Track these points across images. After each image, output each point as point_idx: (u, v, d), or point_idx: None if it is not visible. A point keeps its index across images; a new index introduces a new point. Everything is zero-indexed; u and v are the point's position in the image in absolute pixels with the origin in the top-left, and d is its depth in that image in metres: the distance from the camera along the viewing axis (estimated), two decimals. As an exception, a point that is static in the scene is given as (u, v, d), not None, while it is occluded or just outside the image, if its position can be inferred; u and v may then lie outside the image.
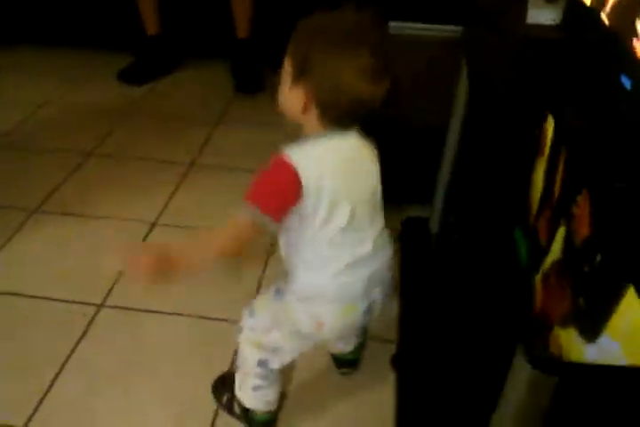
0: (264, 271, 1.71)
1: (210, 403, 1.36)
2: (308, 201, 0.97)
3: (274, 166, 0.97)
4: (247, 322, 1.20)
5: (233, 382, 1.30)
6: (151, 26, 2.71)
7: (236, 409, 1.31)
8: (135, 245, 1.02)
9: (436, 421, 1.28)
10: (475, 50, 1.45)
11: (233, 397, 1.30)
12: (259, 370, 1.21)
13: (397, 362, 1.43)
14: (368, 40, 0.93)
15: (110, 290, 1.64)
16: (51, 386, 1.39)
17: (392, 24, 1.58)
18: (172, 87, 2.74)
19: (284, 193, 0.97)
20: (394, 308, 1.56)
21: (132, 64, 2.76)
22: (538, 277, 1.16)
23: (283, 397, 1.34)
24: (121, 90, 2.67)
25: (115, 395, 1.38)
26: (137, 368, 1.44)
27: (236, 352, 1.43)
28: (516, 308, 1.20)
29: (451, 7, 1.62)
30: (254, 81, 2.66)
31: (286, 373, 1.33)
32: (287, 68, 0.97)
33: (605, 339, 0.80)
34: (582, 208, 1.00)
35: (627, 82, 1.10)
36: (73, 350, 1.47)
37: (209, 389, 1.38)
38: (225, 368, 1.43)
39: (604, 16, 1.24)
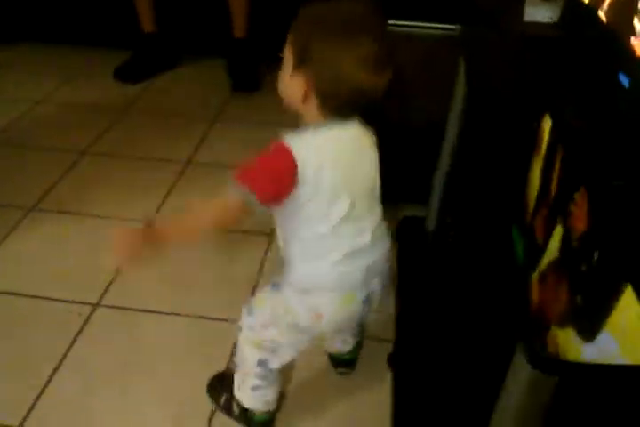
0: (261, 270, 1.70)
1: (207, 403, 1.35)
2: (304, 190, 0.96)
3: (272, 151, 0.96)
4: (246, 321, 1.19)
5: (231, 382, 1.29)
6: (147, 23, 2.70)
7: (235, 410, 1.30)
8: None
9: (433, 420, 1.28)
10: (472, 48, 1.44)
11: (232, 397, 1.30)
12: (258, 370, 1.20)
13: (394, 361, 1.43)
14: (369, 29, 0.92)
15: (106, 289, 1.64)
16: (46, 386, 1.38)
17: (390, 22, 1.58)
18: (168, 85, 2.73)
19: (278, 178, 0.95)
20: (391, 306, 1.55)
21: (127, 62, 2.75)
22: (535, 276, 1.16)
23: (282, 397, 1.33)
24: (118, 88, 2.66)
25: (111, 395, 1.38)
26: (134, 368, 1.44)
27: (233, 352, 1.44)
28: (514, 307, 1.20)
29: (448, 5, 1.62)
30: (251, 80, 2.66)
31: (285, 373, 1.32)
32: (287, 55, 0.96)
33: (604, 337, 0.80)
34: (580, 206, 1.00)
35: (625, 80, 1.09)
36: (69, 350, 1.47)
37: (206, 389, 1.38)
38: (223, 368, 1.42)
39: (601, 14, 1.24)
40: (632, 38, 1.08)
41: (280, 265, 1.13)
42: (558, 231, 1.10)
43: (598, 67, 1.19)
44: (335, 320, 1.10)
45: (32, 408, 1.33)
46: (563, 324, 0.96)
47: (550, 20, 1.52)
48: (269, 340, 1.16)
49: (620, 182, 0.91)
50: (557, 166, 1.17)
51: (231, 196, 0.95)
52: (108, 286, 1.65)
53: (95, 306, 1.59)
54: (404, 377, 1.38)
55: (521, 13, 1.51)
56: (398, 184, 1.67)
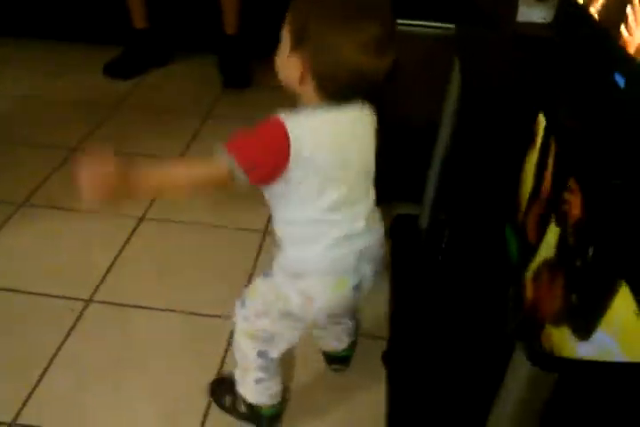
0: (255, 267, 1.70)
1: (201, 399, 1.35)
2: (296, 171, 0.93)
3: (265, 124, 0.93)
4: (240, 312, 1.18)
5: (231, 383, 1.29)
6: (139, 20, 2.69)
7: (241, 409, 1.29)
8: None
9: (428, 418, 1.29)
10: (467, 47, 1.45)
11: (235, 396, 1.29)
12: (260, 362, 1.19)
13: (388, 358, 1.43)
14: (371, 9, 0.89)
15: (99, 285, 1.63)
16: (39, 382, 1.38)
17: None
18: (159, 82, 2.71)
19: (266, 150, 0.93)
20: (385, 305, 1.56)
21: (117, 58, 2.73)
22: (529, 275, 1.17)
23: (286, 390, 1.32)
24: (109, 84, 2.64)
25: (104, 391, 1.37)
26: (127, 364, 1.43)
27: (227, 350, 1.44)
28: (510, 305, 1.21)
29: (444, 4, 1.62)
30: (242, 77, 2.65)
31: (285, 371, 1.31)
32: (285, 35, 0.93)
33: (600, 335, 0.81)
34: (574, 204, 1.01)
35: (620, 80, 1.10)
36: (61, 346, 1.46)
37: (200, 385, 1.37)
38: (216, 364, 1.42)
39: (595, 14, 1.25)
40: (626, 37, 1.09)
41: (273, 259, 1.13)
42: (552, 229, 1.11)
43: (593, 67, 1.20)
44: (326, 306, 1.08)
45: (24, 405, 1.33)
46: (558, 322, 0.97)
47: (544, 21, 1.53)
48: (262, 329, 1.15)
49: (618, 181, 0.92)
50: (551, 165, 1.18)
51: (217, 162, 0.93)
52: (100, 282, 1.64)
53: (88, 302, 1.58)
54: (399, 375, 1.38)
55: (514, 13, 1.53)
56: (393, 182, 1.68)
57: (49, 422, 1.30)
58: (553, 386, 0.73)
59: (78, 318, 1.53)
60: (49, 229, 1.82)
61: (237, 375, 1.27)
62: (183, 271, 1.70)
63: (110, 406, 1.34)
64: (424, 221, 1.76)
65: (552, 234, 1.11)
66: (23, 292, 1.60)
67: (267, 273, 1.13)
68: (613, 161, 0.97)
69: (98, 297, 1.60)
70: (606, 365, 0.69)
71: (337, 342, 1.38)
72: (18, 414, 1.31)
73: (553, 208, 1.13)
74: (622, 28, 1.11)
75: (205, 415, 1.33)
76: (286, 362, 1.28)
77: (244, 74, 2.66)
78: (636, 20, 1.07)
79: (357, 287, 1.07)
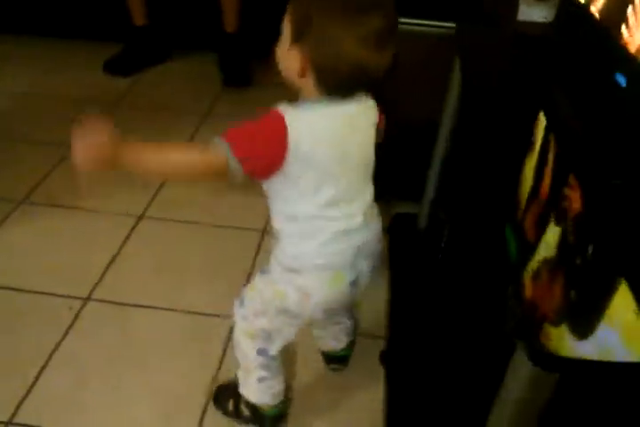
0: (254, 267, 1.70)
1: (199, 397, 1.35)
2: (295, 165, 0.93)
3: (264, 116, 0.92)
4: (238, 312, 1.18)
5: (233, 388, 1.28)
6: (138, 16, 2.68)
7: (245, 411, 1.28)
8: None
9: (426, 416, 1.29)
10: (468, 46, 1.45)
11: (238, 399, 1.28)
12: (260, 359, 1.19)
13: (386, 358, 1.43)
14: (373, 3, 0.88)
15: (97, 283, 1.63)
16: (36, 380, 1.37)
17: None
18: (159, 79, 2.70)
19: (263, 141, 0.92)
20: (384, 304, 1.56)
21: (117, 55, 2.73)
22: (528, 274, 1.17)
23: (288, 389, 1.31)
24: (108, 81, 2.63)
25: (102, 389, 1.37)
26: (125, 363, 1.43)
27: (224, 352, 1.43)
28: (509, 304, 1.20)
29: (445, 3, 1.62)
30: (242, 75, 2.65)
31: (285, 371, 1.30)
32: (286, 26, 0.92)
33: (603, 329, 0.80)
34: (574, 202, 1.01)
35: (621, 79, 1.10)
36: (59, 344, 1.46)
37: (199, 384, 1.37)
38: (215, 363, 1.42)
39: (596, 13, 1.24)
40: (627, 37, 1.09)
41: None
42: (551, 228, 1.11)
43: (594, 66, 1.20)
44: (323, 301, 1.08)
45: (22, 403, 1.32)
46: (556, 322, 0.97)
47: (545, 20, 1.53)
48: (261, 329, 1.15)
49: (618, 181, 0.91)
50: (551, 164, 1.18)
51: (213, 150, 0.92)
52: (99, 280, 1.64)
53: (86, 300, 1.58)
54: (397, 374, 1.38)
55: (514, 12, 1.52)
56: (392, 181, 1.68)
57: (47, 420, 1.30)
58: (554, 386, 0.73)
59: (77, 317, 1.53)
60: (48, 226, 1.82)
61: (240, 376, 1.26)
62: (182, 270, 1.69)
63: (108, 405, 1.34)
64: (423, 220, 1.75)
65: (551, 233, 1.10)
66: (21, 290, 1.60)
67: (264, 270, 1.13)
68: (614, 161, 0.97)
69: (96, 295, 1.59)
70: (608, 365, 0.69)
71: (335, 341, 1.38)
72: (15, 413, 1.30)
73: (552, 207, 1.13)
74: (623, 27, 1.11)
75: (203, 413, 1.33)
76: (286, 362, 1.27)
77: (244, 72, 2.65)
78: (637, 19, 1.07)
79: (354, 283, 1.07)
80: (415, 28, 1.63)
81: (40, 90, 2.56)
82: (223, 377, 1.39)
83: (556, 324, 0.96)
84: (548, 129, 1.20)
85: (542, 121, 1.24)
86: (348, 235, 1.02)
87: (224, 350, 1.45)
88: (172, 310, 1.56)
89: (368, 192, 1.06)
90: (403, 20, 1.59)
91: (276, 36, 0.96)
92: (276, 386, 1.25)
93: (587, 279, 0.94)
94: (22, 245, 1.75)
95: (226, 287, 1.60)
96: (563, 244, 1.04)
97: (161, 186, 2.00)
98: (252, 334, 1.17)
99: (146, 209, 1.90)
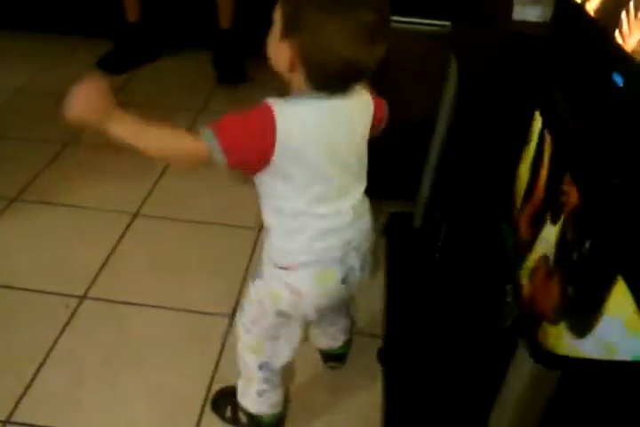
0: (250, 265, 1.69)
1: (197, 397, 1.35)
2: (284, 160, 0.92)
3: (253, 108, 0.91)
4: (240, 321, 1.19)
5: (232, 394, 1.28)
6: (132, 13, 2.66)
7: (243, 418, 1.28)
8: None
9: (425, 414, 1.29)
10: (464, 44, 1.45)
11: (236, 406, 1.28)
12: (261, 373, 1.19)
13: (384, 356, 1.43)
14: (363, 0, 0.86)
15: (93, 281, 1.62)
16: (33, 379, 1.37)
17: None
18: (152, 77, 2.69)
19: (249, 131, 0.90)
20: (380, 303, 1.57)
21: (110, 52, 2.71)
22: (525, 272, 1.17)
23: (287, 398, 1.31)
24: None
25: (99, 388, 1.36)
26: (122, 361, 1.42)
27: (222, 350, 1.43)
28: (507, 301, 1.21)
29: (440, 1, 1.63)
30: (237, 72, 2.64)
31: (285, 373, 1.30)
32: (276, 19, 0.90)
33: (603, 324, 0.81)
34: (571, 200, 1.01)
35: (619, 79, 1.11)
36: (55, 343, 1.45)
37: (196, 383, 1.38)
38: (212, 362, 1.42)
39: (593, 13, 1.25)
40: (624, 37, 1.09)
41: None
42: (548, 226, 1.12)
43: (591, 66, 1.21)
44: (315, 300, 1.07)
45: (19, 402, 1.32)
46: (554, 320, 0.97)
47: (539, 19, 1.54)
48: (262, 337, 1.15)
49: (618, 181, 0.92)
50: (547, 162, 1.19)
51: (200, 139, 0.91)
52: (94, 278, 1.63)
53: (82, 298, 1.57)
54: (395, 372, 1.38)
55: (509, 12, 1.53)
56: (388, 180, 1.68)
57: (44, 419, 1.30)
58: (556, 384, 0.74)
59: (73, 315, 1.52)
60: (42, 224, 1.81)
61: (240, 386, 1.26)
62: (178, 268, 1.69)
63: (105, 403, 1.33)
64: (419, 219, 1.76)
65: (548, 230, 1.11)
66: (17, 288, 1.59)
67: (257, 274, 1.12)
68: (612, 161, 0.97)
69: (92, 294, 1.59)
70: (610, 363, 0.70)
71: (332, 340, 1.38)
72: (13, 412, 1.30)
73: (549, 205, 1.14)
74: (620, 26, 1.12)
75: (201, 412, 1.32)
76: (289, 364, 1.27)
77: (239, 69, 2.64)
78: (633, 18, 1.08)
79: (345, 280, 1.06)
80: (411, 26, 1.63)
81: (35, 86, 2.55)
82: (221, 376, 1.39)
83: (554, 322, 0.97)
84: (543, 128, 1.21)
85: (538, 120, 1.24)
86: (336, 231, 1.02)
87: (222, 349, 1.45)
88: (168, 308, 1.56)
89: (359, 189, 1.05)
90: (399, 18, 1.61)
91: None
92: (275, 397, 1.25)
93: (584, 276, 0.95)
94: (16, 242, 1.75)
95: (223, 285, 1.60)
96: (560, 241, 1.05)
97: (155, 184, 2.00)
98: (254, 349, 1.17)
99: (140, 207, 1.90)
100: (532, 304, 1.09)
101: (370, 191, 1.08)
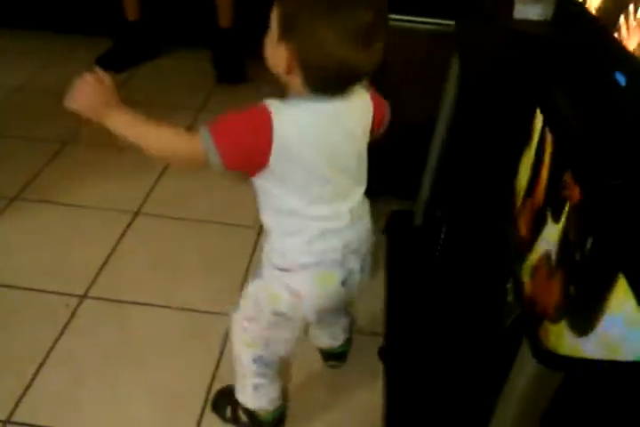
0: (250, 264, 1.69)
1: (198, 396, 1.35)
2: (281, 162, 0.91)
3: (250, 109, 0.91)
4: (235, 318, 1.18)
5: (232, 393, 1.28)
6: (131, 11, 2.66)
7: (243, 417, 1.28)
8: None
9: (426, 412, 1.29)
10: (467, 43, 1.45)
11: (236, 405, 1.28)
12: (255, 367, 1.19)
13: (385, 354, 1.43)
14: (361, 1, 0.86)
15: (94, 281, 1.62)
16: (33, 379, 1.37)
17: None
18: (151, 76, 2.69)
19: (245, 132, 0.90)
20: (381, 301, 1.56)
21: (109, 50, 2.71)
22: (526, 271, 1.17)
23: (285, 393, 1.31)
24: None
25: (100, 387, 1.36)
26: (123, 360, 1.42)
27: (222, 349, 1.43)
28: (507, 300, 1.21)
29: (442, 1, 1.62)
30: (237, 72, 2.63)
31: (284, 371, 1.30)
32: (273, 21, 0.89)
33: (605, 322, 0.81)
34: (572, 198, 1.01)
35: (621, 78, 1.10)
36: (56, 342, 1.45)
37: (197, 382, 1.37)
38: (213, 361, 1.42)
39: (594, 11, 1.25)
40: (626, 35, 1.09)
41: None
42: (549, 224, 1.11)
43: (593, 65, 1.21)
44: (315, 302, 1.07)
45: (19, 401, 1.32)
46: (555, 319, 0.97)
47: (540, 18, 1.53)
48: (259, 335, 1.15)
49: (618, 181, 0.92)
50: (548, 161, 1.18)
51: (197, 140, 0.91)
52: (95, 278, 1.63)
53: (83, 297, 1.57)
54: (396, 370, 1.38)
55: (511, 10, 1.53)
56: (389, 179, 1.68)
57: (44, 419, 1.29)
58: (558, 384, 0.73)
59: (73, 314, 1.52)
60: (42, 223, 1.81)
61: (237, 382, 1.26)
62: (179, 267, 1.69)
63: (106, 403, 1.33)
64: (420, 218, 1.76)
65: (549, 229, 1.11)
66: (17, 287, 1.59)
67: (257, 274, 1.12)
68: (613, 160, 0.97)
69: (93, 293, 1.59)
70: (614, 364, 0.69)
71: (332, 339, 1.38)
72: (13, 411, 1.30)
73: (550, 203, 1.13)
74: (622, 25, 1.11)
75: (202, 411, 1.32)
76: (284, 361, 1.27)
77: (239, 68, 2.63)
78: (635, 17, 1.08)
79: (345, 283, 1.06)
80: (411, 25, 1.63)
81: (34, 84, 2.54)
82: (221, 375, 1.39)
83: (555, 321, 0.97)
84: (544, 127, 1.21)
85: (540, 119, 1.24)
86: (334, 233, 1.01)
87: (223, 348, 1.45)
88: (169, 307, 1.56)
89: (358, 191, 1.04)
90: (398, 17, 1.61)
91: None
92: (273, 392, 1.25)
93: (586, 275, 0.95)
94: (16, 242, 1.74)
95: (223, 284, 1.60)
96: (561, 240, 1.05)
97: (155, 182, 2.00)
98: (249, 344, 1.17)
99: (141, 206, 1.89)
100: (534, 303, 1.08)
101: (371, 191, 1.07)
